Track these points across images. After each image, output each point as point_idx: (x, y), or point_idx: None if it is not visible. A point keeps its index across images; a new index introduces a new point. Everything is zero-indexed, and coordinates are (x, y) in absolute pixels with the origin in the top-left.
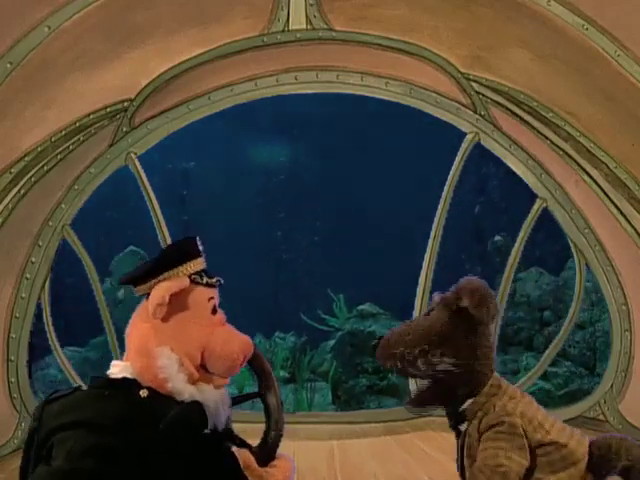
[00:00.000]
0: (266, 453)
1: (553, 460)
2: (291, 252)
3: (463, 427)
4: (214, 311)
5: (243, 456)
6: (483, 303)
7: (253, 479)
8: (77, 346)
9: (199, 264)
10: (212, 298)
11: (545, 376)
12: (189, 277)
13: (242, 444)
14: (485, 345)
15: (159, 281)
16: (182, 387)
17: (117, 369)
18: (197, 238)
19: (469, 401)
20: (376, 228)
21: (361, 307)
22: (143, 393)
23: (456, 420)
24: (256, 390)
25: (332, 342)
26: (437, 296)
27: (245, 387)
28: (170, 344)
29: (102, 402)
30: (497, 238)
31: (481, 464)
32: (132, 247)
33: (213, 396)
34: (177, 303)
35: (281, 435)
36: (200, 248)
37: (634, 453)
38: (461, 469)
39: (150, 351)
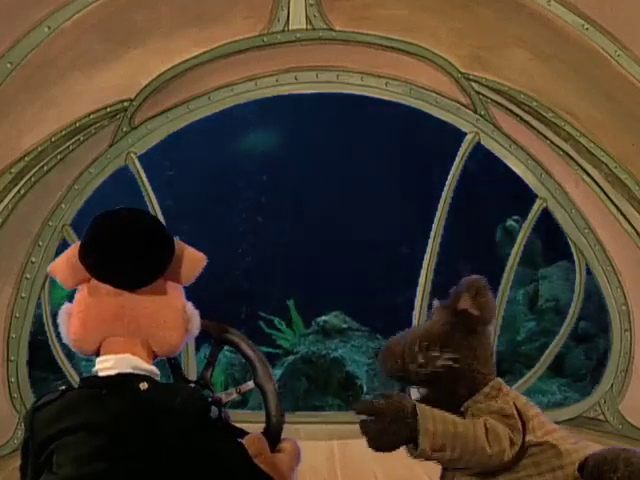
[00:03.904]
0: (270, 440)
1: (539, 461)
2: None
3: None
4: None
5: (256, 443)
6: (481, 300)
7: (265, 467)
8: None
9: None
10: None
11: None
12: None
13: (242, 434)
14: (485, 347)
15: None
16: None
17: (109, 363)
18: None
19: (468, 402)
20: (349, 216)
21: (324, 318)
22: (142, 386)
23: None
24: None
25: (278, 372)
26: (437, 302)
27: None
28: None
29: (101, 402)
30: (509, 223)
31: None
32: None
33: None
34: None
35: (283, 420)
36: None
37: (634, 464)
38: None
39: (184, 313)
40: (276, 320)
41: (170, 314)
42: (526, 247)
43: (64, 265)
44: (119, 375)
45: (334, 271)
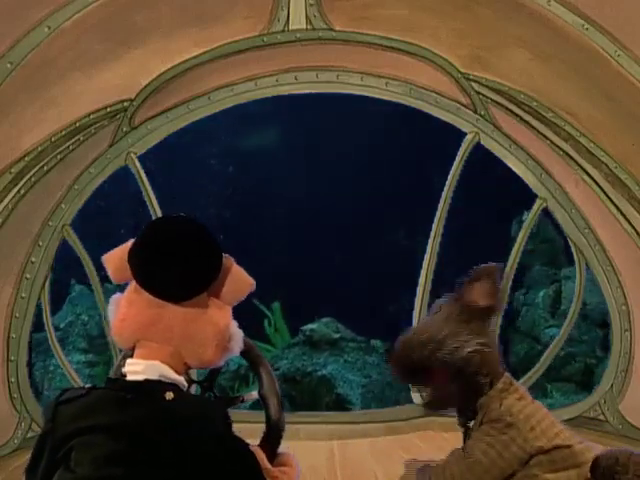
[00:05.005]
0: (268, 451)
1: (554, 459)
2: None
3: (473, 423)
4: None
5: (258, 457)
6: (490, 285)
7: (268, 479)
8: None
9: None
10: None
11: None
12: None
13: None
14: (495, 336)
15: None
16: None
17: (139, 367)
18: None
19: (483, 398)
20: (347, 216)
21: (311, 327)
22: (168, 396)
23: (467, 417)
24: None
25: (254, 394)
26: (442, 300)
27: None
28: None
29: (125, 406)
30: (526, 216)
31: (457, 449)
32: None
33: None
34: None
35: (282, 434)
36: None
37: None
38: None
39: (226, 332)
40: (265, 321)
41: (208, 330)
42: (547, 244)
43: (116, 258)
44: (147, 381)
45: (326, 272)
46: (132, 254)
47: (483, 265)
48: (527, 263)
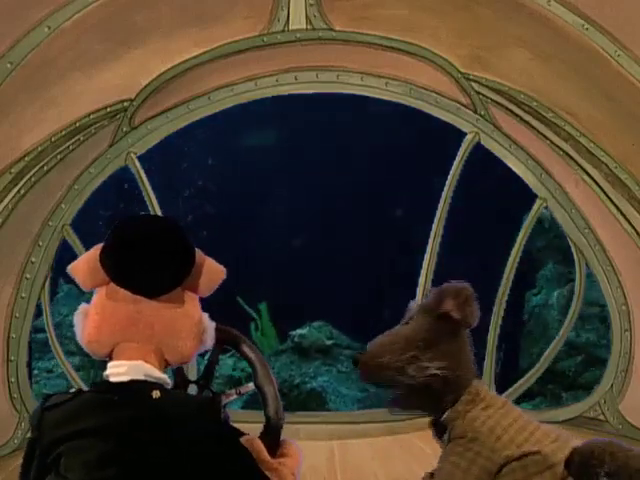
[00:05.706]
0: (269, 442)
1: (526, 464)
2: None
3: (445, 437)
4: None
5: (254, 447)
6: (467, 305)
7: (268, 473)
8: None
9: None
10: None
11: None
12: None
13: (240, 435)
14: (466, 350)
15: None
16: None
17: (122, 369)
18: None
19: (449, 412)
20: (347, 216)
21: (301, 332)
22: (155, 394)
23: (439, 430)
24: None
25: (236, 408)
26: (415, 304)
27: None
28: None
29: (112, 407)
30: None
31: (427, 474)
32: None
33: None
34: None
35: (282, 423)
36: None
37: (620, 458)
38: None
39: (200, 324)
40: (252, 325)
41: (186, 324)
42: (559, 240)
43: (84, 265)
44: (132, 382)
45: (320, 271)
46: (105, 255)
47: (455, 282)
48: (539, 261)
